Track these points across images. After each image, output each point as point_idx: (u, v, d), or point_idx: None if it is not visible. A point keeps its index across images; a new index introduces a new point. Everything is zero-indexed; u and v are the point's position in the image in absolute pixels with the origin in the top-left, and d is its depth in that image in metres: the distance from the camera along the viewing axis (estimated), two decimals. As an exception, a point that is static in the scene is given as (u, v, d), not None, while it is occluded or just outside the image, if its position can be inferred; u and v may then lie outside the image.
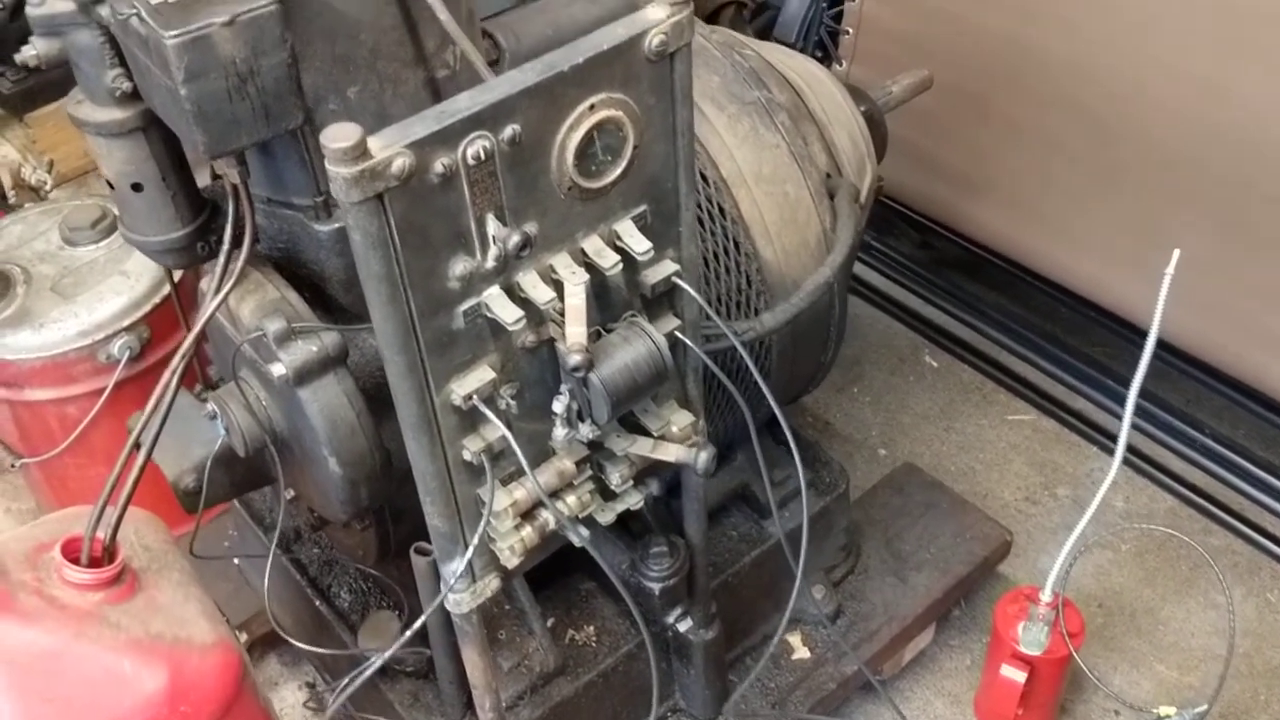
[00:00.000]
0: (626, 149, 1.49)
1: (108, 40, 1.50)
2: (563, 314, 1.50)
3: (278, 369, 1.62)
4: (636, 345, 1.57)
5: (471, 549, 1.59)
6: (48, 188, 3.39)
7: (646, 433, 1.72)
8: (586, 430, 1.59)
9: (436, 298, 1.42)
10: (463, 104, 1.33)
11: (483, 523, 1.57)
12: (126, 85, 1.53)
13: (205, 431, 1.84)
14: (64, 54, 1.52)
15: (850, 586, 2.61)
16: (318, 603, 2.33)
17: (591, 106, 1.42)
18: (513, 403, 1.57)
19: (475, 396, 1.50)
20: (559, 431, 1.60)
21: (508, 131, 1.36)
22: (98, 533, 1.65)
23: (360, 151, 1.24)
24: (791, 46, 3.36)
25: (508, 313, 1.45)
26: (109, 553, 1.66)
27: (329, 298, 1.80)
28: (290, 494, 1.94)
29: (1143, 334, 3.21)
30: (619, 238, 1.56)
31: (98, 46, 1.50)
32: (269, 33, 1.39)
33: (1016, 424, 3.34)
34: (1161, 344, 3.22)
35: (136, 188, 1.64)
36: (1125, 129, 2.83)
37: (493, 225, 1.42)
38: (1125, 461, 3.22)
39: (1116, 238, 2.99)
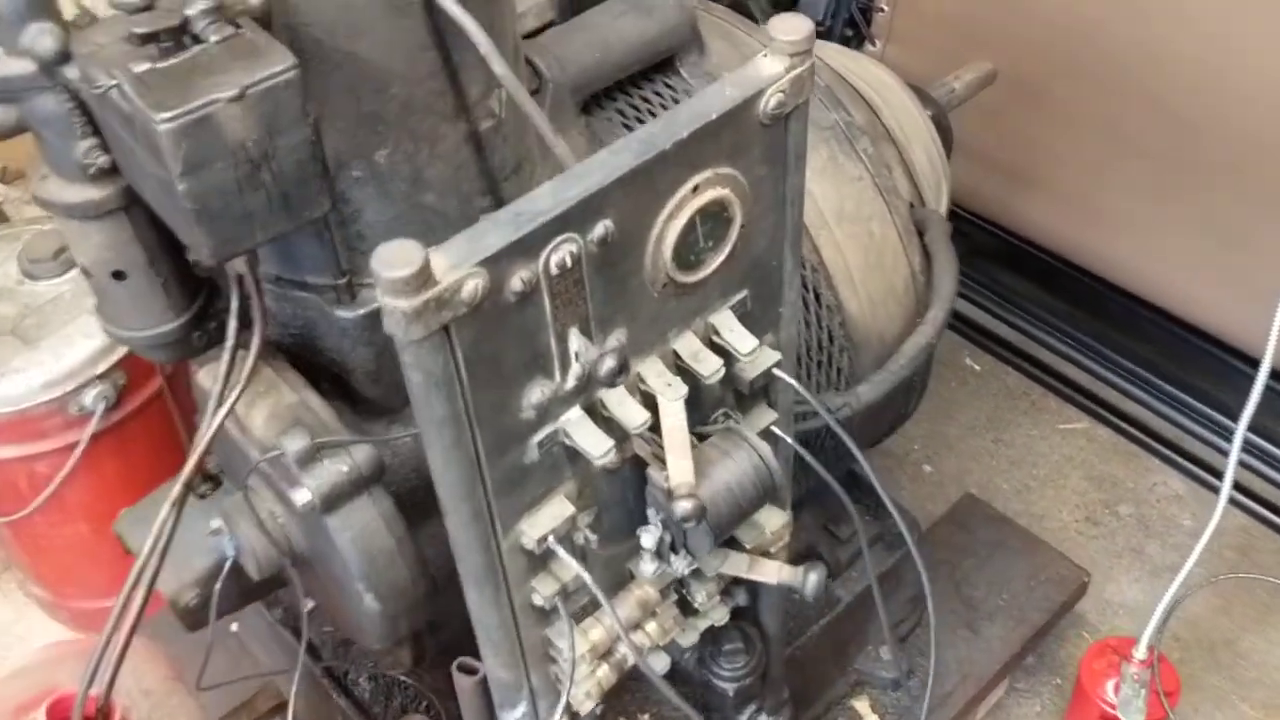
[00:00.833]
0: (732, 232, 1.21)
1: (76, 106, 1.19)
2: (654, 431, 1.22)
3: (302, 496, 1.33)
4: (739, 459, 1.29)
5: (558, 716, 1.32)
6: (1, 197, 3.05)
7: (738, 544, 1.45)
8: (681, 565, 1.32)
9: (508, 432, 1.14)
10: (544, 203, 1.03)
11: (567, 687, 1.30)
12: (102, 160, 1.22)
13: (206, 537, 1.56)
14: (22, 124, 1.21)
15: (920, 641, 2.37)
16: (334, 695, 2.06)
17: (695, 188, 1.13)
18: (591, 537, 1.29)
19: (551, 538, 1.23)
20: (647, 567, 1.33)
21: (598, 230, 1.08)
22: (92, 690, 1.37)
23: (424, 279, 0.95)
24: (819, 25, 3.05)
25: (596, 445, 1.17)
26: (103, 714, 1.38)
27: (352, 390, 1.51)
28: (311, 604, 1.66)
29: (1205, 335, 3.01)
30: (716, 332, 1.28)
31: (64, 114, 1.19)
32: (287, 106, 1.09)
33: (1069, 433, 3.10)
34: (1228, 348, 3.02)
35: (119, 276, 1.33)
36: (1202, 122, 2.56)
37: (576, 341, 1.13)
38: (1190, 475, 3.02)
39: (1188, 238, 2.73)
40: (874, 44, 3.07)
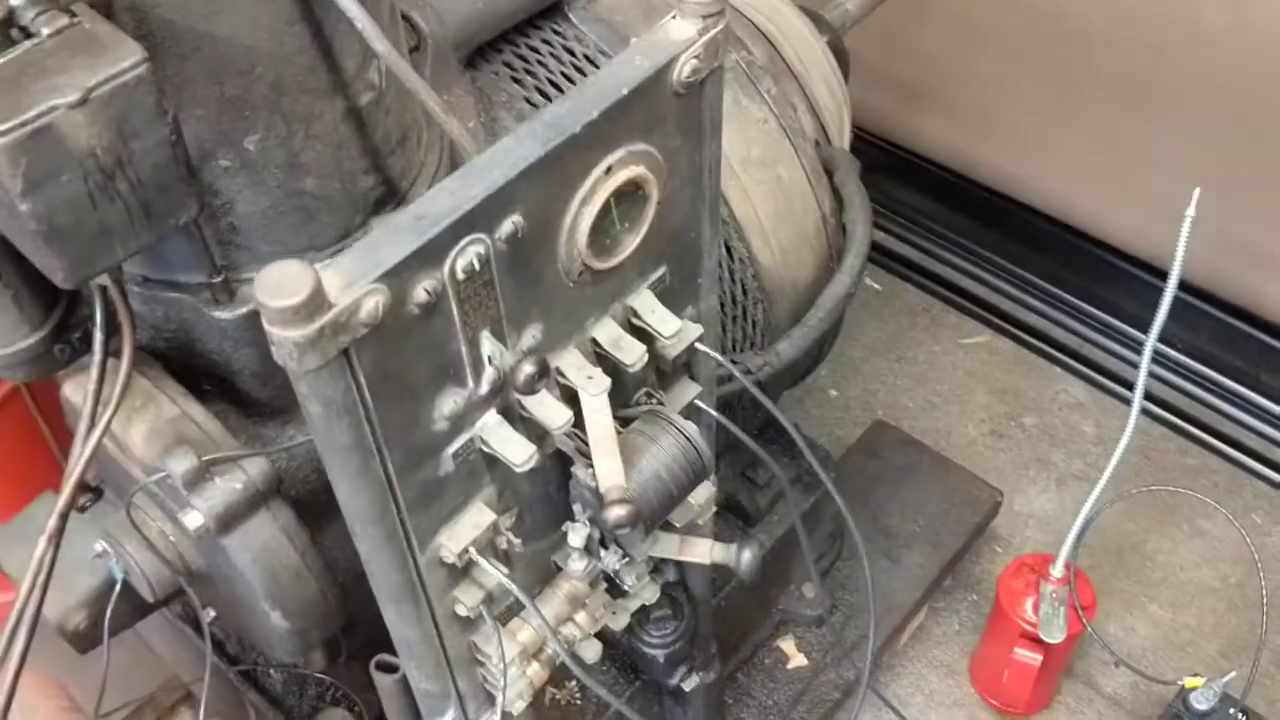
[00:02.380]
0: (648, 211, 1.11)
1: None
2: (577, 429, 1.13)
3: (194, 519, 1.22)
4: (665, 444, 1.21)
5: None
6: None
7: (668, 524, 1.38)
8: (613, 560, 1.25)
9: (420, 448, 1.04)
10: (444, 204, 0.92)
11: (501, 692, 1.23)
12: (-71, 167, 1.07)
13: (88, 551, 1.44)
14: None
15: (839, 575, 2.36)
16: (244, 689, 1.96)
17: (608, 170, 1.03)
18: (515, 541, 1.21)
19: (473, 549, 1.14)
20: (576, 565, 1.25)
21: (506, 227, 0.97)
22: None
23: (317, 304, 0.84)
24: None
25: (516, 452, 1.08)
26: (-9, 764, 1.27)
27: (238, 391, 1.38)
28: (212, 614, 1.55)
29: (1103, 245, 3.01)
30: (636, 314, 1.19)
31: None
32: (140, 104, 0.95)
33: (971, 348, 3.09)
34: (1116, 250, 3.03)
35: (-39, 292, 1.19)
36: (1099, 31, 2.52)
37: (489, 345, 1.03)
38: (1091, 382, 3.04)
39: (1083, 148, 2.71)
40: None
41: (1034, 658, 2.24)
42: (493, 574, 1.18)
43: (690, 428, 1.23)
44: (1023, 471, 2.85)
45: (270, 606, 1.30)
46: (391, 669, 1.44)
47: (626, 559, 1.33)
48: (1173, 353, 2.91)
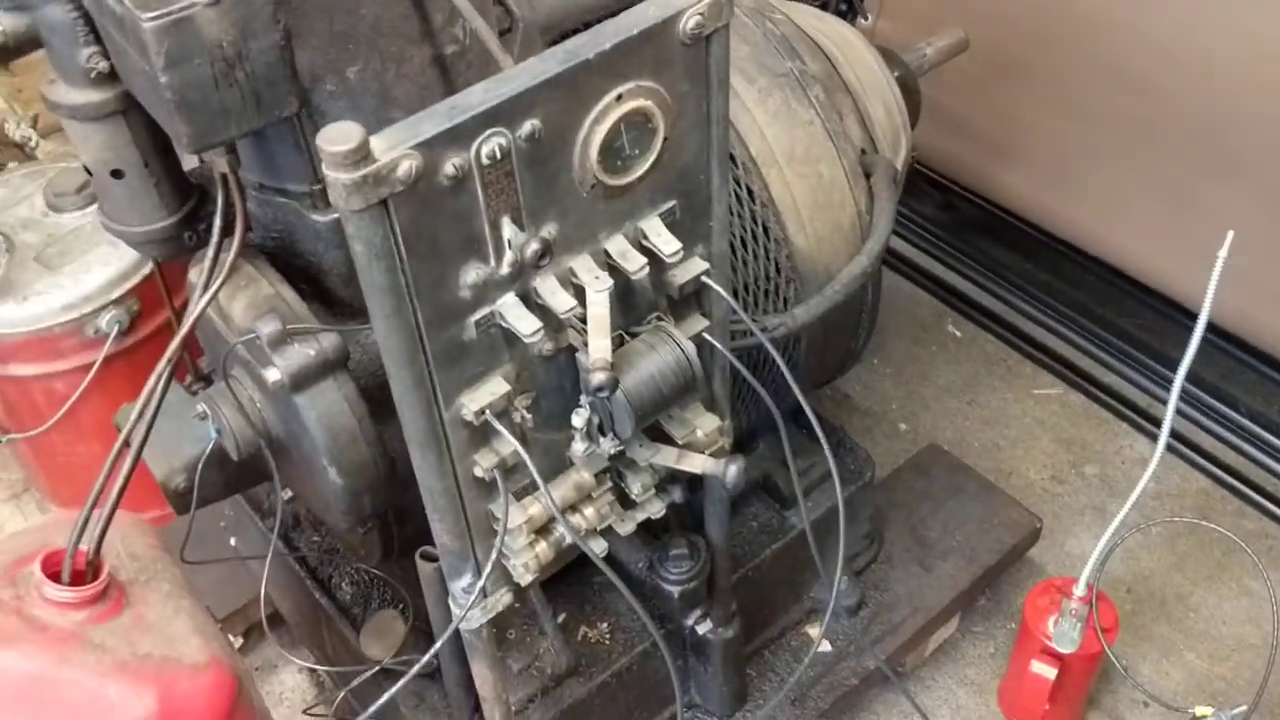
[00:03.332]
0: (656, 142, 1.35)
1: (81, 15, 1.35)
2: (584, 320, 1.36)
3: (273, 374, 1.49)
4: (663, 353, 1.44)
5: (485, 576, 1.47)
6: (32, 143, 3.22)
7: (671, 440, 1.60)
8: (608, 445, 1.47)
9: (446, 308, 1.29)
10: (476, 98, 1.18)
11: (497, 544, 1.45)
12: (103, 65, 1.38)
13: (195, 428, 1.72)
14: (33, 30, 1.37)
15: (873, 576, 2.50)
16: (317, 595, 2.22)
17: (619, 97, 1.28)
18: (528, 415, 1.44)
19: (488, 411, 1.38)
20: (578, 446, 1.47)
21: (526, 127, 1.22)
22: (81, 545, 1.53)
23: (362, 155, 1.11)
24: (812, 1, 3.19)
25: (525, 324, 1.32)
26: (93, 567, 1.54)
27: (327, 291, 1.66)
28: (288, 494, 1.82)
29: (1178, 307, 3.11)
30: (645, 236, 1.42)
31: (70, 22, 1.35)
32: (259, 12, 1.24)
33: (1043, 398, 3.21)
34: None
35: (116, 174, 1.50)
36: (1175, 94, 2.67)
37: (509, 229, 1.28)
38: (1157, 438, 3.11)
39: (1157, 208, 2.84)
40: (866, 18, 3.20)
41: (1049, 671, 2.34)
42: (508, 441, 1.42)
43: (686, 342, 1.45)
44: (1078, 516, 2.94)
45: (329, 462, 1.55)
46: (434, 559, 1.69)
47: (631, 460, 1.54)
48: (1238, 417, 2.99)
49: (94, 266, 2.47)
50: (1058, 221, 3.11)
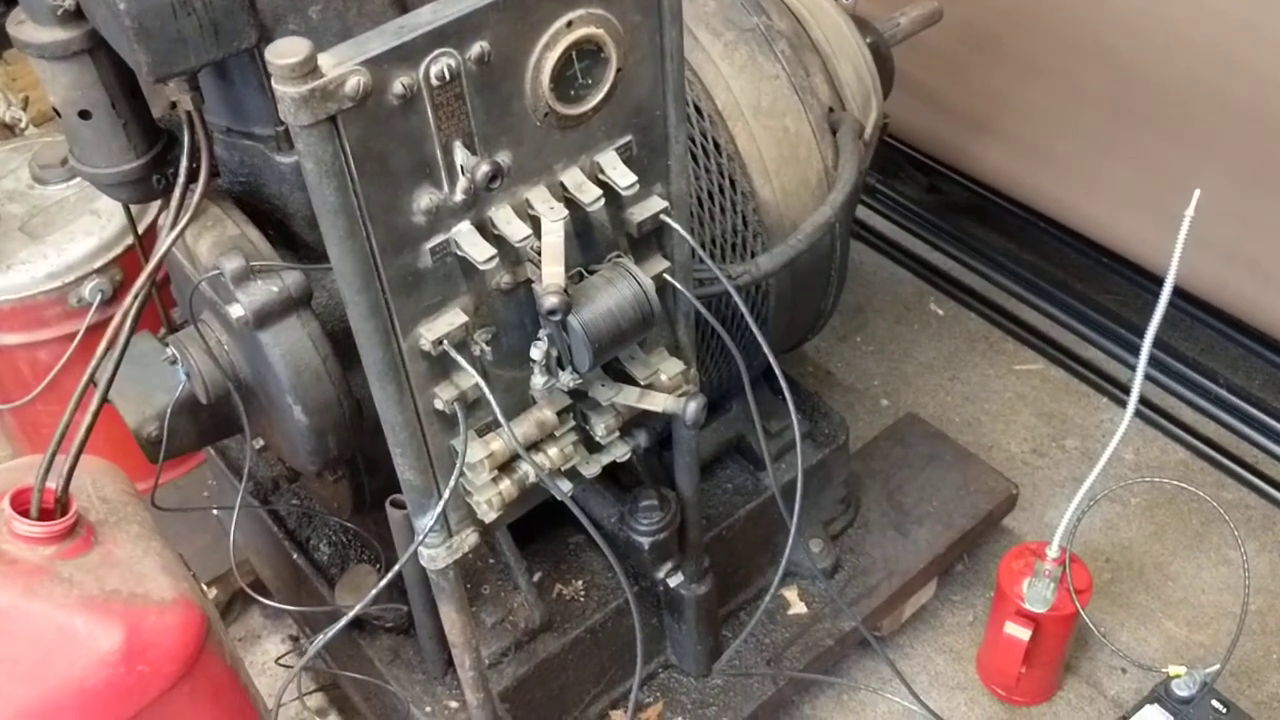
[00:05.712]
0: (608, 72, 1.37)
1: (45, -49, 1.38)
2: (540, 253, 1.39)
3: (236, 310, 1.51)
4: (620, 287, 1.46)
5: (443, 502, 1.49)
6: (22, 125, 3.26)
7: (634, 381, 1.62)
8: (567, 378, 1.49)
9: (400, 233, 1.31)
10: (425, 18, 1.21)
11: (454, 475, 1.47)
12: (69, 2, 1.41)
13: (169, 378, 1.74)
14: (-1, -33, 1.40)
15: (849, 540, 2.52)
16: (295, 556, 2.24)
17: (569, 23, 1.30)
18: (487, 348, 1.46)
19: (446, 341, 1.40)
20: (537, 379, 1.49)
21: (475, 49, 1.24)
22: (49, 483, 1.55)
23: (309, 68, 1.13)
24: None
25: (479, 250, 1.34)
26: (61, 505, 1.56)
27: (294, 235, 1.69)
28: (259, 443, 1.84)
29: (1157, 280, 3.12)
30: (601, 170, 1.44)
31: (35, -42, 1.38)
32: (216, -59, 1.27)
33: (1024, 374, 3.23)
34: (1177, 290, 3.11)
35: (84, 115, 1.52)
36: (1146, 67, 2.69)
37: (461, 154, 1.30)
38: (1136, 413, 3.13)
39: (1133, 180, 2.86)
40: (846, -4, 3.22)
41: (1023, 632, 2.35)
42: (469, 374, 1.44)
43: (644, 278, 1.47)
44: (1058, 488, 2.95)
45: (294, 400, 1.57)
46: (403, 506, 1.71)
47: (580, 381, 1.54)
48: (1218, 390, 3.01)
49: (78, 236, 2.50)
50: (1032, 193, 3.13)
